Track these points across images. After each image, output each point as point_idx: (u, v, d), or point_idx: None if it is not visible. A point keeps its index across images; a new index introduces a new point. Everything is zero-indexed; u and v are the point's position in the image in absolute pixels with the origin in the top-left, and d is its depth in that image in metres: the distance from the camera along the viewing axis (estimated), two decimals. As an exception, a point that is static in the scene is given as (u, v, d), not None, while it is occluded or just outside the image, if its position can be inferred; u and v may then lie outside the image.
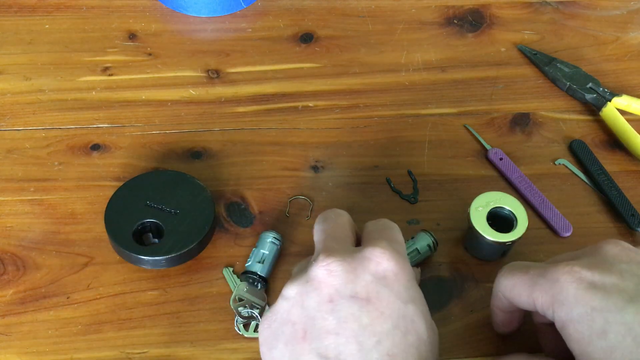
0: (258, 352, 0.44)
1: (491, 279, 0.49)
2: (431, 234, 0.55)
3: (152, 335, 0.52)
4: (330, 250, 0.43)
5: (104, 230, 0.54)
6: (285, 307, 0.43)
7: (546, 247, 0.57)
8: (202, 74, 0.67)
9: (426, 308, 0.44)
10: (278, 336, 0.43)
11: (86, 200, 0.58)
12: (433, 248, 0.55)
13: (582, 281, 0.41)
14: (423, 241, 0.54)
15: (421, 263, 0.55)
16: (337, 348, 0.40)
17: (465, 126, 0.64)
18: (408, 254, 0.53)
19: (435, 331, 0.44)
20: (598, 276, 0.41)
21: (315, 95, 0.66)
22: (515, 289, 0.45)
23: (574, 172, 0.61)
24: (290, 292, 0.43)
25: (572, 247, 0.57)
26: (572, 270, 0.41)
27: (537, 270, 0.44)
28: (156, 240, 0.55)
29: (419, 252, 0.54)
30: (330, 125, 0.64)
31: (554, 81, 0.68)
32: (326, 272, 0.42)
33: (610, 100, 0.65)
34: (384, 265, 0.42)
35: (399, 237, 0.47)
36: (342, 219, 0.48)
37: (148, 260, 0.53)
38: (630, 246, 0.43)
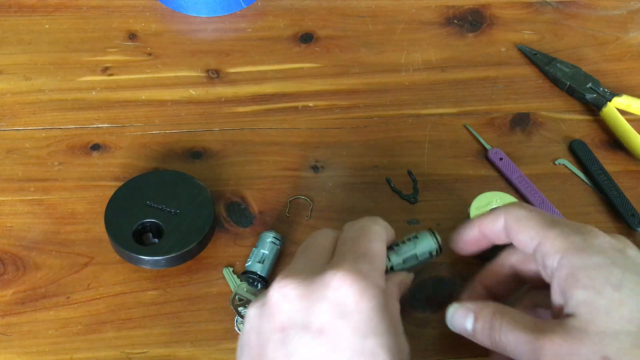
0: (258, 352, 0.44)
1: (491, 279, 0.50)
2: (436, 238, 0.49)
3: (152, 335, 0.52)
4: (291, 271, 0.41)
5: (104, 230, 0.54)
6: (247, 328, 0.42)
7: (546, 247, 0.57)
8: (202, 74, 0.67)
9: (391, 339, 0.40)
10: (241, 355, 0.42)
11: (86, 200, 0.58)
12: (435, 254, 0.49)
13: (609, 243, 0.42)
14: (425, 246, 0.48)
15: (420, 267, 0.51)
16: None
17: (465, 126, 0.64)
18: (404, 261, 0.48)
19: (405, 356, 0.41)
20: (621, 245, 0.42)
21: (315, 95, 0.66)
22: (527, 222, 0.44)
23: (574, 172, 0.61)
24: (251, 312, 0.42)
25: (572, 247, 0.57)
26: (600, 233, 0.43)
27: (559, 218, 0.45)
28: (156, 240, 0.55)
29: (417, 259, 0.49)
30: (330, 125, 0.64)
31: (554, 81, 0.68)
32: (280, 295, 0.40)
33: (610, 100, 0.65)
34: (343, 292, 0.39)
35: (375, 247, 0.43)
36: (326, 239, 0.45)
37: (148, 260, 0.53)
38: None
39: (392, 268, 0.48)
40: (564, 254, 0.42)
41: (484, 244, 0.48)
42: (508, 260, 0.48)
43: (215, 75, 0.67)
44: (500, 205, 0.53)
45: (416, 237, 0.49)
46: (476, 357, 0.51)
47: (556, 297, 0.42)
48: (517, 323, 0.42)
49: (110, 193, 0.56)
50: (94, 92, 0.65)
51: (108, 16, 0.71)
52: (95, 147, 0.61)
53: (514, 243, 0.46)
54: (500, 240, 0.47)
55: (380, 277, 0.42)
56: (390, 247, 0.48)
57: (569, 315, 0.40)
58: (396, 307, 0.44)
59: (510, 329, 0.42)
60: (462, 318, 0.45)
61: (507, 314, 0.42)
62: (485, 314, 0.43)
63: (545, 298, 0.45)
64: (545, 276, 0.44)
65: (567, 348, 0.39)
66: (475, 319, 0.44)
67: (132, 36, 0.69)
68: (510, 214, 0.46)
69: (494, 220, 0.46)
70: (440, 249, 0.49)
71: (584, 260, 0.41)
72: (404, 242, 0.48)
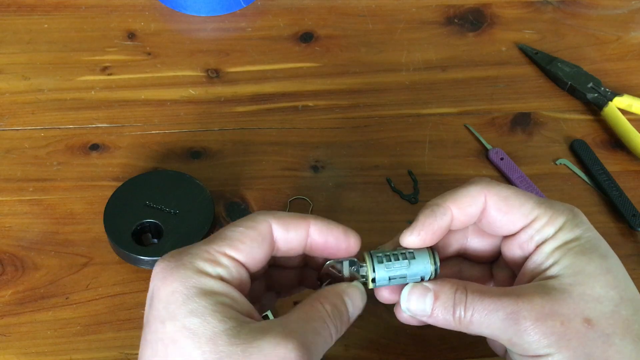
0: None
1: (492, 279, 0.49)
2: (435, 260, 0.41)
3: (151, 336, 0.51)
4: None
5: (103, 230, 0.54)
6: None
7: (547, 247, 0.57)
8: (201, 74, 0.67)
9: (195, 321, 0.36)
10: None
11: (85, 200, 0.58)
12: (429, 278, 0.42)
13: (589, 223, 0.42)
14: (419, 268, 0.41)
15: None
16: None
17: (465, 126, 0.64)
18: (390, 278, 0.41)
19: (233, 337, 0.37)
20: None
21: (315, 94, 0.66)
22: (516, 200, 0.41)
23: (575, 172, 0.61)
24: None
25: (573, 247, 0.56)
26: (581, 212, 0.43)
27: (537, 196, 0.43)
28: (155, 240, 0.54)
29: (406, 279, 0.42)
30: (330, 125, 0.64)
31: (555, 81, 0.67)
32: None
33: (611, 100, 0.64)
34: (153, 280, 0.38)
35: (226, 232, 0.39)
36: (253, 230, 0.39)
37: (147, 261, 0.52)
38: None
39: (373, 281, 0.41)
40: (560, 228, 0.41)
41: (442, 234, 0.42)
42: (465, 230, 0.45)
43: (214, 75, 0.67)
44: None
45: (413, 255, 0.41)
46: (476, 357, 0.51)
47: (537, 263, 0.41)
48: (486, 292, 0.40)
49: (110, 193, 0.55)
50: (93, 92, 0.65)
51: (107, 15, 0.71)
52: (94, 147, 0.61)
53: (492, 222, 0.42)
54: (466, 223, 0.43)
55: (201, 259, 0.38)
56: (381, 258, 0.41)
57: (550, 277, 0.40)
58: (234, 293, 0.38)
59: (478, 299, 0.39)
60: (419, 298, 0.40)
61: (471, 286, 0.40)
62: (446, 290, 0.40)
63: (471, 269, 0.45)
64: (520, 249, 0.42)
65: (549, 308, 0.38)
66: (435, 297, 0.40)
67: (131, 35, 0.69)
68: (493, 192, 0.42)
69: (473, 201, 0.42)
70: (436, 272, 0.41)
71: (578, 233, 0.41)
72: (397, 258, 0.41)
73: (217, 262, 0.38)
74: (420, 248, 0.41)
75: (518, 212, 0.42)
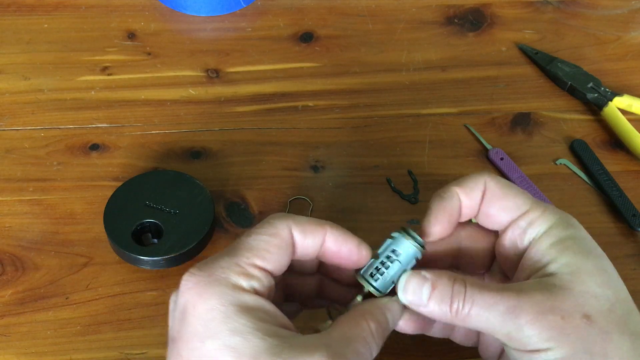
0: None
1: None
2: (415, 240, 0.41)
3: (151, 336, 0.51)
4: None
5: (103, 230, 0.54)
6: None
7: (547, 247, 0.57)
8: (201, 74, 0.67)
9: (237, 338, 0.36)
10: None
11: (85, 200, 0.58)
12: (421, 255, 0.42)
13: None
14: (409, 256, 0.41)
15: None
16: None
17: (465, 126, 0.64)
18: (393, 282, 0.41)
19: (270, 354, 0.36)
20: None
21: (315, 94, 0.66)
22: (511, 190, 0.42)
23: (575, 172, 0.61)
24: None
25: (573, 247, 0.56)
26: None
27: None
28: (155, 240, 0.54)
29: (406, 271, 0.41)
30: (330, 125, 0.64)
31: (555, 81, 0.67)
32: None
33: (611, 100, 0.64)
34: (185, 295, 0.37)
35: (250, 241, 0.39)
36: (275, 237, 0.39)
37: (147, 261, 0.52)
38: None
39: (376, 289, 0.41)
40: (554, 225, 0.41)
41: (455, 219, 0.43)
42: (459, 236, 0.45)
43: (214, 75, 0.67)
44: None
45: (396, 252, 0.41)
46: (478, 357, 0.51)
47: (534, 260, 0.41)
48: (485, 286, 0.39)
49: (110, 193, 0.55)
50: (92, 92, 0.65)
51: (107, 15, 0.71)
52: (94, 147, 0.61)
53: (488, 211, 0.43)
54: (471, 209, 0.43)
55: (235, 273, 0.38)
56: (373, 273, 0.41)
57: (548, 275, 0.40)
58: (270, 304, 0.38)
59: (478, 292, 0.39)
60: (416, 287, 0.40)
61: (470, 279, 0.40)
62: (444, 281, 0.40)
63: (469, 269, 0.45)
64: (513, 245, 0.42)
65: (550, 304, 0.38)
66: (433, 287, 0.40)
67: (131, 35, 0.69)
68: (492, 179, 0.42)
69: (476, 184, 0.42)
70: (423, 245, 0.42)
71: (572, 232, 0.41)
72: (387, 266, 0.41)
73: (249, 275, 0.38)
74: (396, 237, 0.42)
75: (512, 201, 0.42)
